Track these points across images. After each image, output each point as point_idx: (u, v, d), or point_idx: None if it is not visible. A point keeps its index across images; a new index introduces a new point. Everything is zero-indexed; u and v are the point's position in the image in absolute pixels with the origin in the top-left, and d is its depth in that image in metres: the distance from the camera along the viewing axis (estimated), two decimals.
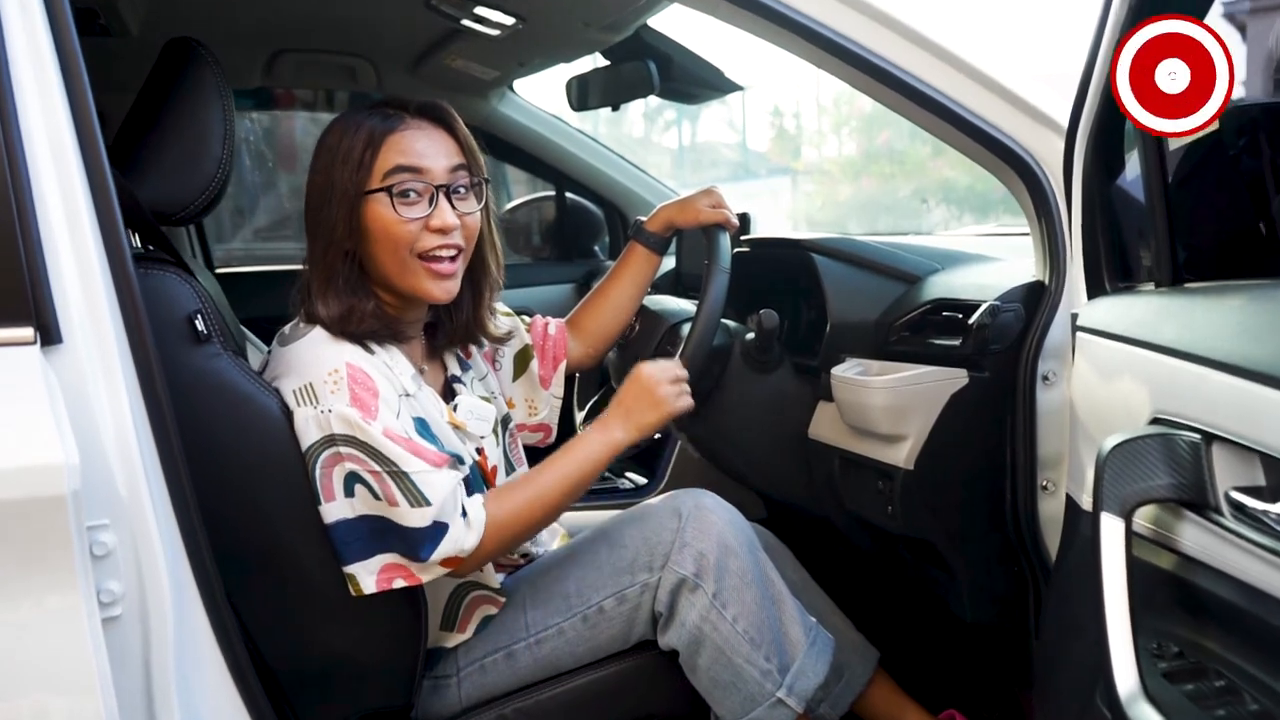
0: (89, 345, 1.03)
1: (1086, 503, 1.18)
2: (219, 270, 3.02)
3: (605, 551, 1.42)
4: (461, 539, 1.25)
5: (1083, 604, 1.11)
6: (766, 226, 2.40)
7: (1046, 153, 1.39)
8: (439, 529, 1.24)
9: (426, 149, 1.31)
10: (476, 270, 1.42)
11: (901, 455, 1.53)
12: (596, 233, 3.04)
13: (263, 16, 2.28)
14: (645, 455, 2.34)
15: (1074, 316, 1.32)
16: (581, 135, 2.91)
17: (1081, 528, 1.19)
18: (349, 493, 1.24)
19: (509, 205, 3.27)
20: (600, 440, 1.37)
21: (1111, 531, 0.99)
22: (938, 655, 1.89)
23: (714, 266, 1.55)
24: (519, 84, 2.80)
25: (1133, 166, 1.24)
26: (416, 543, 1.24)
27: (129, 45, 1.96)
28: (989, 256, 1.75)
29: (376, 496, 1.24)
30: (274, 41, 2.46)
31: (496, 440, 1.49)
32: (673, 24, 2.21)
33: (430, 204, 1.30)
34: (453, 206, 1.31)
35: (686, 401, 1.40)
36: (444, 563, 1.26)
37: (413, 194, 1.29)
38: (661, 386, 1.37)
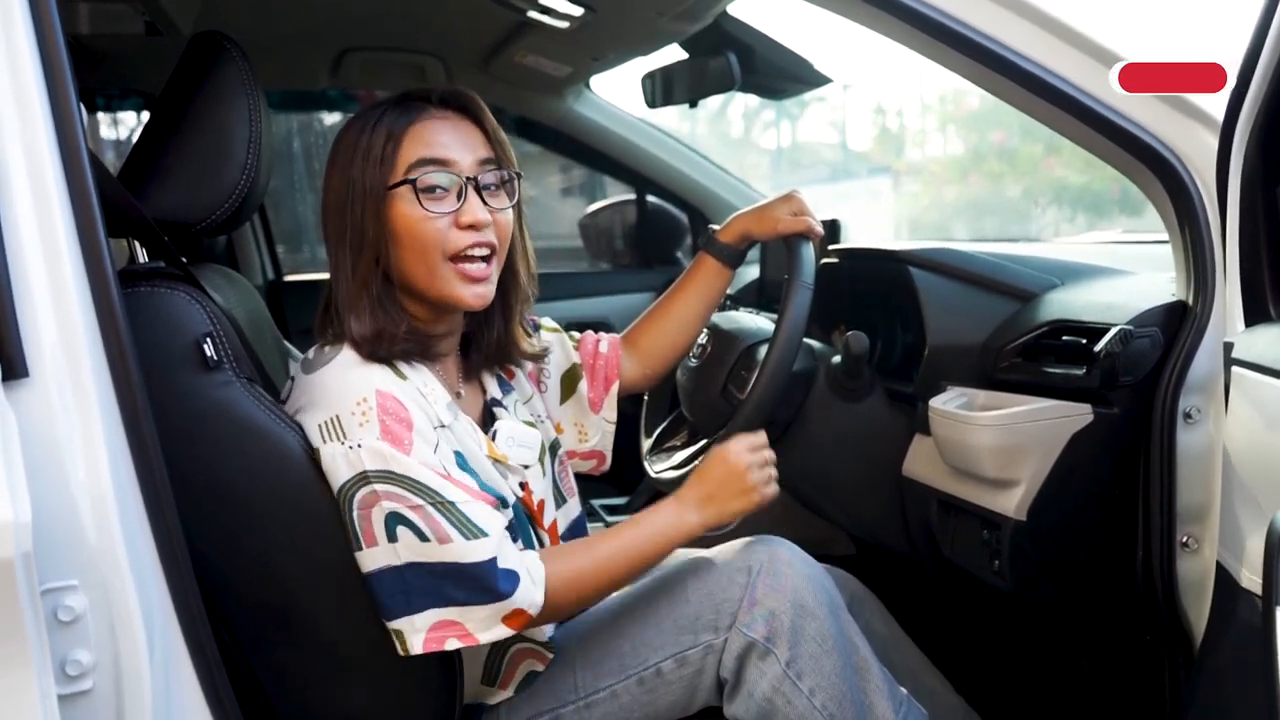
0: (61, 379, 0.91)
1: (1247, 579, 1.03)
2: (291, 278, 2.98)
3: (665, 606, 1.29)
4: (531, 592, 1.16)
5: (1245, 705, 1.00)
6: (864, 230, 2.24)
7: (1193, 150, 1.25)
8: (511, 575, 1.14)
9: (451, 140, 1.22)
10: (505, 280, 1.31)
11: (1011, 503, 1.38)
12: (679, 238, 2.95)
13: (326, 13, 2.24)
14: None
15: (1227, 346, 1.15)
16: (664, 135, 2.82)
17: (1240, 610, 1.04)
18: (391, 537, 1.13)
19: (589, 209, 3.20)
20: (674, 520, 1.28)
21: None
22: None
23: (795, 281, 1.43)
24: (598, 83, 2.71)
25: None
26: (490, 580, 1.13)
27: (182, 46, 1.90)
28: (1117, 270, 1.58)
29: (424, 538, 1.12)
30: (340, 40, 2.42)
31: (544, 470, 1.38)
32: (757, 12, 2.05)
33: (459, 198, 1.21)
34: (484, 202, 1.22)
35: (774, 489, 1.32)
36: (509, 620, 1.15)
37: (439, 189, 1.20)
38: (751, 473, 1.29)
